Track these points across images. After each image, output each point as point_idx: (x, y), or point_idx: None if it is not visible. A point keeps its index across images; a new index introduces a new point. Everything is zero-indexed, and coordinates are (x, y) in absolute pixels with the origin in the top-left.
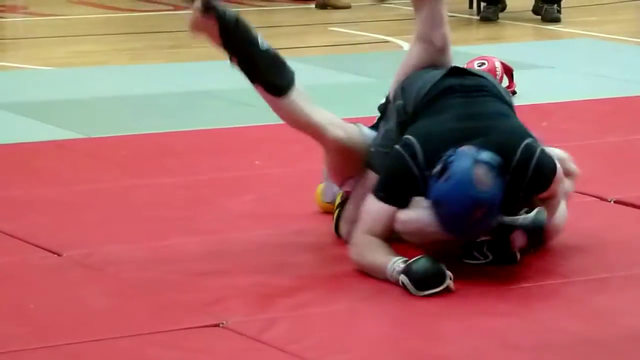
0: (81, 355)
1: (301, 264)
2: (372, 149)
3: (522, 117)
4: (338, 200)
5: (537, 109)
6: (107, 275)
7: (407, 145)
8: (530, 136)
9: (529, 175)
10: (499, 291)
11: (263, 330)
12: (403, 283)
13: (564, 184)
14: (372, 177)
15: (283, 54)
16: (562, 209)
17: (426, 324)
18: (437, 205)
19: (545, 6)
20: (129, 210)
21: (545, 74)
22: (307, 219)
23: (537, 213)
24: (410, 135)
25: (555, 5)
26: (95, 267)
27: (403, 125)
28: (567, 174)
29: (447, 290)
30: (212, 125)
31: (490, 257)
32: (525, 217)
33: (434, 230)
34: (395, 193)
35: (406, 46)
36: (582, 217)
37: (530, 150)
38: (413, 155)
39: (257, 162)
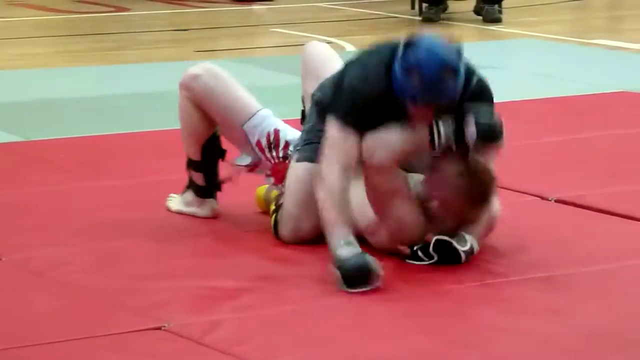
0: (24, 359)
1: (244, 266)
2: (297, 150)
3: None
4: (272, 207)
5: None
6: (49, 279)
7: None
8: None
9: (472, 85)
10: (441, 291)
11: (206, 332)
12: (335, 275)
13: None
14: (301, 171)
15: (226, 55)
16: (495, 204)
17: (370, 325)
18: (410, 71)
19: (486, 7)
20: (71, 214)
21: (486, 74)
22: (250, 221)
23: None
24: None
25: (496, 5)
26: (36, 270)
27: (323, 112)
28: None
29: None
30: (155, 127)
31: (435, 258)
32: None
33: (401, 144)
34: (361, 114)
35: (349, 47)
36: (523, 216)
37: (473, 69)
38: (379, 72)
39: None
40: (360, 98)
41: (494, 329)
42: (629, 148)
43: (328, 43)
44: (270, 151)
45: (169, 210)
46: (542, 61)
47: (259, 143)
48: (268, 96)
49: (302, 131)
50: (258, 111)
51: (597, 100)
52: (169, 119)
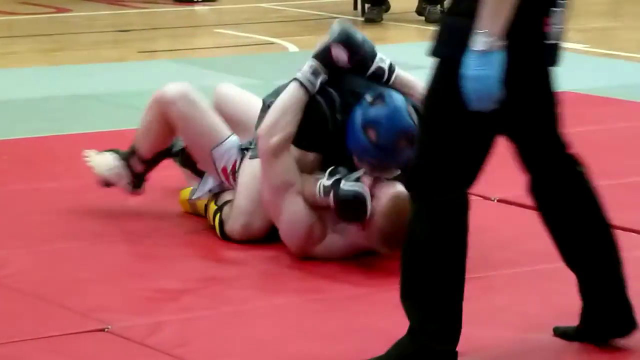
0: None
1: (186, 267)
2: (251, 149)
3: None
4: (212, 207)
5: None
6: None
7: (324, 92)
8: None
9: None
10: (386, 291)
11: (149, 334)
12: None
13: None
14: (255, 168)
15: (168, 56)
16: None
17: (313, 325)
18: (372, 126)
19: (429, 7)
20: (12, 215)
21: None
22: (194, 222)
23: None
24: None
25: (439, 6)
26: None
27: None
28: None
29: None
30: (96, 129)
31: None
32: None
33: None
34: (304, 133)
35: (291, 47)
36: None
37: None
38: (330, 101)
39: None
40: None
41: None
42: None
43: (271, 44)
44: (234, 178)
45: (92, 169)
46: None
47: (224, 169)
48: (210, 97)
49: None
50: (228, 137)
51: None
52: (111, 120)
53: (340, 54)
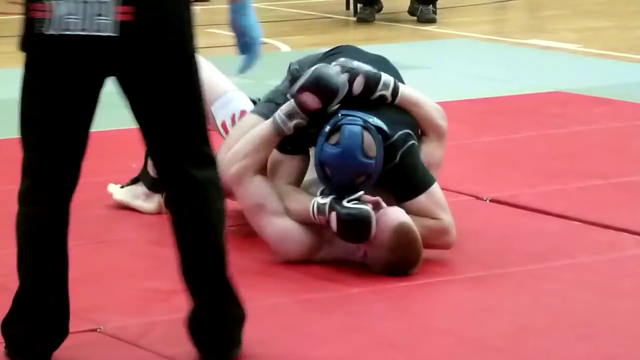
0: None
1: (173, 269)
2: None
3: None
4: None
5: None
6: None
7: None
8: (412, 129)
9: (395, 162)
10: (377, 291)
11: (141, 334)
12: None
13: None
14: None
15: None
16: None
17: (302, 325)
18: (324, 167)
19: (421, 7)
20: (3, 216)
21: (421, 74)
22: None
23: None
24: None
25: (431, 6)
26: None
27: (293, 82)
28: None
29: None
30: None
31: None
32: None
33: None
34: (287, 138)
35: (284, 47)
36: (458, 216)
37: (406, 139)
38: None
39: (133, 165)
40: None
41: (425, 328)
42: (562, 148)
43: (264, 44)
44: None
45: (113, 200)
46: (476, 61)
47: (224, 124)
48: None
49: (270, 90)
50: (227, 92)
51: (530, 101)
52: (103, 120)
53: (308, 100)
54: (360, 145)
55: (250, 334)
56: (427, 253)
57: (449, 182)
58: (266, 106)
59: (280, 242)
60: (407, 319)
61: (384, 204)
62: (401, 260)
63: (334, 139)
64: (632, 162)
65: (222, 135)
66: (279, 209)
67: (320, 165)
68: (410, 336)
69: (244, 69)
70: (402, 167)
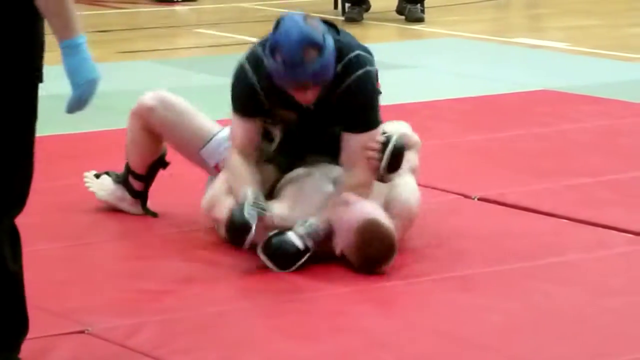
0: None
1: (166, 268)
2: None
3: (386, 117)
4: None
5: (401, 109)
6: None
7: (250, 55)
8: (369, 54)
9: (350, 80)
10: (365, 290)
11: (129, 335)
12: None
13: (410, 159)
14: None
15: (148, 57)
16: (413, 187)
17: (294, 325)
18: (274, 53)
19: (409, 6)
20: None
21: (409, 73)
22: (170, 222)
23: (398, 137)
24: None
25: (419, 5)
26: None
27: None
28: (411, 145)
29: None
30: (75, 130)
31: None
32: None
33: None
34: (240, 104)
35: None
36: (446, 214)
37: (362, 59)
38: (256, 63)
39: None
40: (238, 92)
41: (414, 328)
42: (551, 146)
43: (251, 44)
44: None
45: (95, 195)
46: (464, 60)
47: (217, 166)
48: (191, 98)
49: None
50: (214, 136)
51: (518, 99)
52: (90, 121)
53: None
54: (303, 21)
55: (239, 334)
56: (413, 252)
57: (436, 181)
58: None
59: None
60: (395, 318)
61: (352, 199)
62: (371, 257)
63: (278, 28)
64: (621, 160)
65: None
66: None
67: (272, 56)
68: (399, 335)
69: (68, 109)
70: (354, 92)
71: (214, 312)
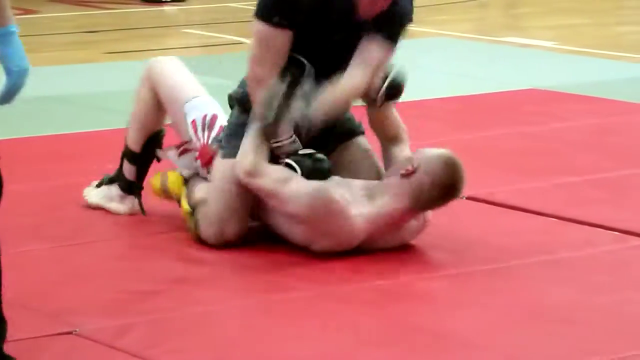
0: None
1: (155, 268)
2: (222, 147)
3: None
4: (186, 208)
5: None
6: None
7: None
8: None
9: None
10: (353, 288)
11: (118, 336)
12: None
13: None
14: (227, 169)
15: (138, 57)
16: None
17: (282, 325)
18: None
19: None
20: None
21: None
22: (160, 222)
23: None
24: None
25: None
26: None
27: (242, 105)
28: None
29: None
30: (65, 130)
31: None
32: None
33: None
34: (279, 9)
35: None
36: (435, 213)
37: None
38: None
39: (110, 166)
40: None
41: (404, 326)
42: (539, 145)
43: (240, 43)
44: (203, 131)
45: (87, 203)
46: (452, 59)
47: (193, 122)
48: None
49: (225, 126)
50: (200, 96)
51: (506, 98)
52: (80, 122)
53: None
54: None
55: (229, 334)
56: (403, 251)
57: None
58: (232, 145)
59: (313, 199)
60: (385, 316)
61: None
62: (451, 191)
63: None
64: (609, 158)
65: (190, 134)
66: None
67: None
68: (390, 334)
69: (1, 100)
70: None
71: (203, 312)
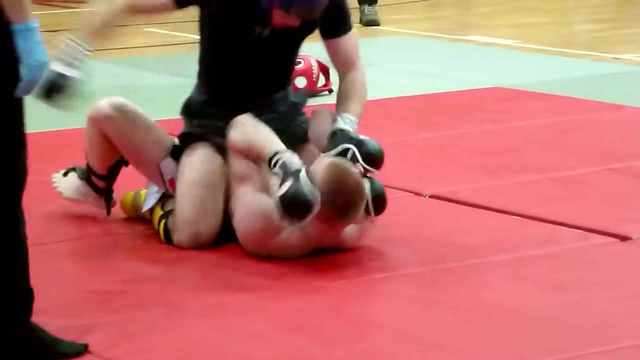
0: None
1: (120, 269)
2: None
3: None
4: (158, 212)
5: None
6: None
7: None
8: None
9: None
10: (315, 288)
11: (81, 336)
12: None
13: None
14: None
15: (101, 56)
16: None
17: (245, 325)
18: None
19: (364, 7)
20: None
21: None
22: (123, 222)
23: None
24: None
25: (374, 7)
26: None
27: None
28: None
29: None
30: (28, 129)
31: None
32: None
33: None
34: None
35: None
36: (398, 212)
37: None
38: None
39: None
40: None
41: (364, 324)
42: (501, 143)
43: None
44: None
45: (62, 195)
46: (415, 58)
47: (171, 181)
48: (143, 96)
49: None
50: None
51: (470, 97)
52: (42, 120)
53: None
54: None
55: (188, 333)
56: (366, 250)
57: (388, 179)
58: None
59: (247, 214)
60: (346, 315)
61: None
62: (337, 194)
63: None
64: (570, 156)
65: (168, 191)
66: (257, 186)
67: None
68: (349, 333)
69: (19, 92)
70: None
71: (165, 312)
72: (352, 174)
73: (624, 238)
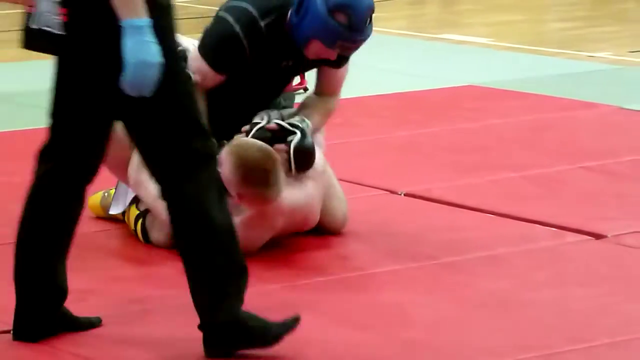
0: None
1: (93, 267)
2: None
3: None
4: (134, 211)
5: None
6: None
7: (232, 8)
8: None
9: None
10: (290, 287)
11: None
12: None
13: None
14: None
15: None
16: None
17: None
18: (341, 10)
19: None
20: None
21: None
22: (95, 220)
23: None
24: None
25: None
26: None
27: None
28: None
29: None
30: (1, 129)
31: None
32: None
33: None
34: (218, 55)
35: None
36: (373, 210)
37: None
38: (241, 16)
39: None
40: (218, 43)
41: (339, 323)
42: (475, 142)
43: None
44: None
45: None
46: (390, 57)
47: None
48: None
49: None
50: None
51: (444, 95)
52: (16, 120)
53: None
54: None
55: (164, 333)
56: (340, 248)
57: (363, 177)
58: None
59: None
60: (321, 314)
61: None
62: (249, 170)
63: (301, 12)
64: (545, 154)
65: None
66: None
67: (332, 15)
68: (324, 331)
69: (126, 91)
70: None
71: (138, 310)
72: (251, 145)
73: (598, 236)
